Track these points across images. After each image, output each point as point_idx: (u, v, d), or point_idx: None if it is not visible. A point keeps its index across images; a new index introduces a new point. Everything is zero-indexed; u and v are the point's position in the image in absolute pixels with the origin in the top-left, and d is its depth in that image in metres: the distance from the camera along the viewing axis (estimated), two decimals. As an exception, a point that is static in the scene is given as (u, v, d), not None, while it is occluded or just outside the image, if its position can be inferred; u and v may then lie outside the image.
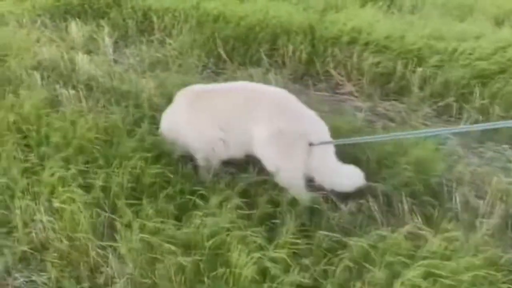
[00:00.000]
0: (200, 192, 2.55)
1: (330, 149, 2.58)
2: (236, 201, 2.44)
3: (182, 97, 2.83)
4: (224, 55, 4.82)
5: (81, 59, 4.44)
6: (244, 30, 5.01)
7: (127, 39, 5.40)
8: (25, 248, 2.50)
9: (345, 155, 2.75)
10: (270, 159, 2.53)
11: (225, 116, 2.62)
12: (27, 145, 3.07)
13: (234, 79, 4.18)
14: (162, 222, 2.38)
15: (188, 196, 2.55)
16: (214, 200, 2.46)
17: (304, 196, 2.53)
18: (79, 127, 3.03)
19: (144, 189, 2.65)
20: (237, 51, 4.88)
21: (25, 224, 2.59)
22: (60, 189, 2.60)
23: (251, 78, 4.20)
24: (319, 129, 2.58)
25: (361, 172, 2.53)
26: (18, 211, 2.60)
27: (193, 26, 5.27)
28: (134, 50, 5.08)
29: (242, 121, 2.56)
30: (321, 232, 2.36)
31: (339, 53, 4.50)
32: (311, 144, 2.47)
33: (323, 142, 2.49)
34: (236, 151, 2.67)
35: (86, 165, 2.77)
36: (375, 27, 4.75)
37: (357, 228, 2.49)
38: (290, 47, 4.68)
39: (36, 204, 2.61)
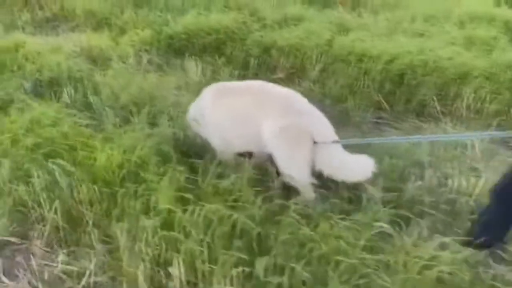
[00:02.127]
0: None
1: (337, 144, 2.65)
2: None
3: (208, 92, 2.98)
4: (384, 103, 3.98)
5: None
6: (398, 71, 4.20)
7: (249, 78, 4.61)
8: None
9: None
10: (277, 152, 2.63)
11: (241, 112, 2.74)
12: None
13: (402, 132, 3.61)
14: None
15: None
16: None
17: (309, 192, 2.64)
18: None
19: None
20: (396, 97, 4.05)
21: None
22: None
23: (421, 131, 3.58)
24: (324, 127, 2.65)
25: (371, 159, 2.55)
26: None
27: (328, 65, 4.50)
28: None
29: (255, 117, 2.67)
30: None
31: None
32: (316, 142, 2.56)
33: (333, 141, 2.60)
34: (249, 145, 2.81)
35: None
36: None
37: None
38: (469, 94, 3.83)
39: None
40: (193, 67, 4.53)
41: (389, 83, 4.15)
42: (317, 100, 3.48)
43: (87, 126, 3.17)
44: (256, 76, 4.49)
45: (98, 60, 4.68)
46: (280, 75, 4.71)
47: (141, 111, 3.33)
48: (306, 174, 2.60)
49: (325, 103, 3.88)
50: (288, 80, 4.59)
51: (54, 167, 2.61)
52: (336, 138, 2.63)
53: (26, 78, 3.96)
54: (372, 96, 4.08)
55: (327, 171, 2.58)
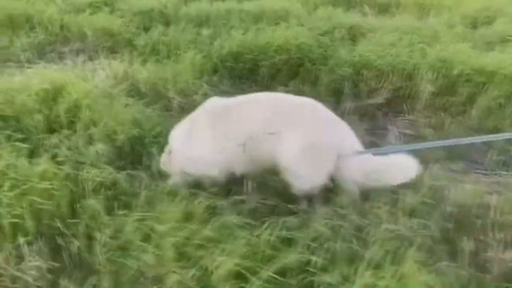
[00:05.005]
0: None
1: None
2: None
3: (201, 114, 2.55)
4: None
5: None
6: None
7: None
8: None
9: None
10: (297, 170, 2.35)
11: (253, 129, 2.39)
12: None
13: None
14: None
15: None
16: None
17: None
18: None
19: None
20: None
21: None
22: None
23: None
24: (351, 138, 2.46)
25: (412, 158, 2.32)
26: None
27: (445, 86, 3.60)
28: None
29: (273, 129, 2.36)
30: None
31: None
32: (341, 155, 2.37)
33: (359, 152, 2.41)
34: (257, 165, 2.45)
35: None
36: None
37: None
38: None
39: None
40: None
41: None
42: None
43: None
44: (351, 103, 3.53)
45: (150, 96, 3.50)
46: (380, 100, 3.74)
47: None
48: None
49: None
50: (392, 106, 3.68)
51: None
52: (360, 146, 2.45)
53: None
54: None
55: (366, 181, 2.35)
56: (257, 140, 2.36)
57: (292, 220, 1.99)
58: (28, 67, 4.42)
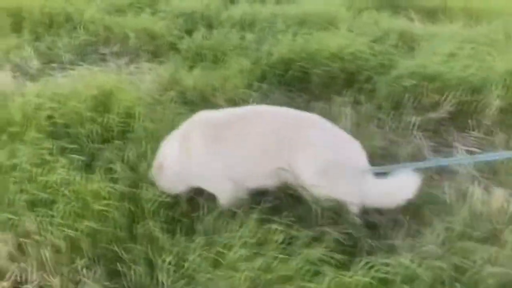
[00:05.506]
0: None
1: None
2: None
3: (195, 128, 2.38)
4: None
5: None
6: None
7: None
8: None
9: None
10: (318, 188, 2.21)
11: (260, 144, 2.29)
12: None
13: None
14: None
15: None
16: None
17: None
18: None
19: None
20: None
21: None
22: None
23: None
24: (360, 154, 2.33)
25: (412, 175, 2.22)
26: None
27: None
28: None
29: (281, 148, 2.26)
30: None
31: None
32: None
33: (376, 168, 2.33)
34: (268, 180, 2.33)
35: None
36: None
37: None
38: None
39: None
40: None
41: None
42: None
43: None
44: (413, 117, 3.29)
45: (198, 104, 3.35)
46: (443, 114, 3.48)
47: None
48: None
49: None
50: (456, 121, 3.43)
51: None
52: (367, 164, 2.32)
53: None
54: None
55: (368, 202, 2.27)
56: (267, 157, 2.27)
57: (386, 261, 1.75)
58: (71, 69, 4.35)
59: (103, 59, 4.62)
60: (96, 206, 1.95)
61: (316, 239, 1.90)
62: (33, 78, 4.15)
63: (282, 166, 2.25)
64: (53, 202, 1.97)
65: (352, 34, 4.24)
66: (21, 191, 2.02)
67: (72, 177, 2.09)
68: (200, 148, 2.32)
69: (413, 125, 3.17)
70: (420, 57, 3.90)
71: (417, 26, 5.09)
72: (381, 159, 2.75)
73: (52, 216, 1.91)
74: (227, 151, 2.30)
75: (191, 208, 2.17)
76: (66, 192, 2.00)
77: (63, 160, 2.25)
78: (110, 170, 2.29)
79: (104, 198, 2.00)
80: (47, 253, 1.87)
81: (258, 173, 2.30)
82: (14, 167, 2.18)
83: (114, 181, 2.16)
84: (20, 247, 1.93)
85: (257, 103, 3.42)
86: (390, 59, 3.87)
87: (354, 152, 2.34)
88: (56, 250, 1.90)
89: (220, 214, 2.08)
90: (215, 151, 2.30)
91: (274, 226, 1.91)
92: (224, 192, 2.31)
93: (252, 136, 2.30)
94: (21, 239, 1.92)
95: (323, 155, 2.23)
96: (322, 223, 2.06)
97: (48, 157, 2.27)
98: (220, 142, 2.31)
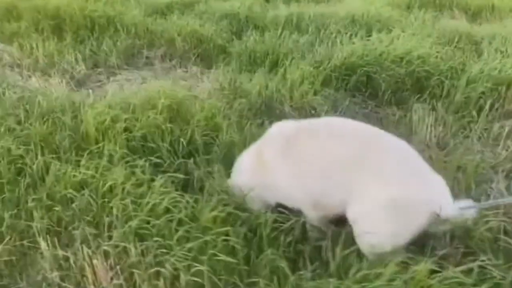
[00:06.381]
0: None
1: None
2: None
3: (274, 141, 2.20)
4: None
5: None
6: None
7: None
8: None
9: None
10: (375, 228, 1.90)
11: (333, 163, 2.04)
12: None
13: None
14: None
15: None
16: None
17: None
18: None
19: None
20: None
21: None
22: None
23: None
24: (445, 196, 1.95)
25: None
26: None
27: None
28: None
29: (351, 171, 1.98)
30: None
31: None
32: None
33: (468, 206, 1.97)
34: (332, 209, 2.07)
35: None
36: None
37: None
38: None
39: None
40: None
41: None
42: None
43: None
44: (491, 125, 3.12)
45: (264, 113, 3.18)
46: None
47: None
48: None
49: None
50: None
51: None
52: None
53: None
54: None
55: None
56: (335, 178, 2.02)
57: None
58: (119, 73, 4.19)
59: (149, 62, 4.46)
60: (218, 234, 1.75)
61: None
62: (82, 83, 4.00)
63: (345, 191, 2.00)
64: (165, 228, 1.78)
65: (414, 36, 4.07)
66: (128, 217, 1.83)
67: (179, 200, 1.91)
68: (276, 162, 2.15)
69: (502, 134, 3.00)
70: (489, 59, 3.73)
71: (470, 26, 4.93)
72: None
73: (170, 246, 1.71)
74: (304, 166, 2.12)
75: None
76: (180, 216, 1.81)
77: (159, 179, 2.07)
78: (208, 189, 2.11)
79: (222, 224, 1.81)
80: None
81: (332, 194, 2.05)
82: (110, 190, 1.99)
83: (224, 202, 1.97)
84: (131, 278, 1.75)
85: (328, 111, 3.27)
86: (459, 62, 3.70)
87: (436, 190, 1.99)
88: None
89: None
90: (291, 166, 2.13)
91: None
92: (306, 209, 2.12)
93: (327, 153, 2.07)
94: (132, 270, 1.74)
95: (394, 189, 1.92)
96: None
97: (141, 176, 2.10)
98: (296, 156, 2.13)
